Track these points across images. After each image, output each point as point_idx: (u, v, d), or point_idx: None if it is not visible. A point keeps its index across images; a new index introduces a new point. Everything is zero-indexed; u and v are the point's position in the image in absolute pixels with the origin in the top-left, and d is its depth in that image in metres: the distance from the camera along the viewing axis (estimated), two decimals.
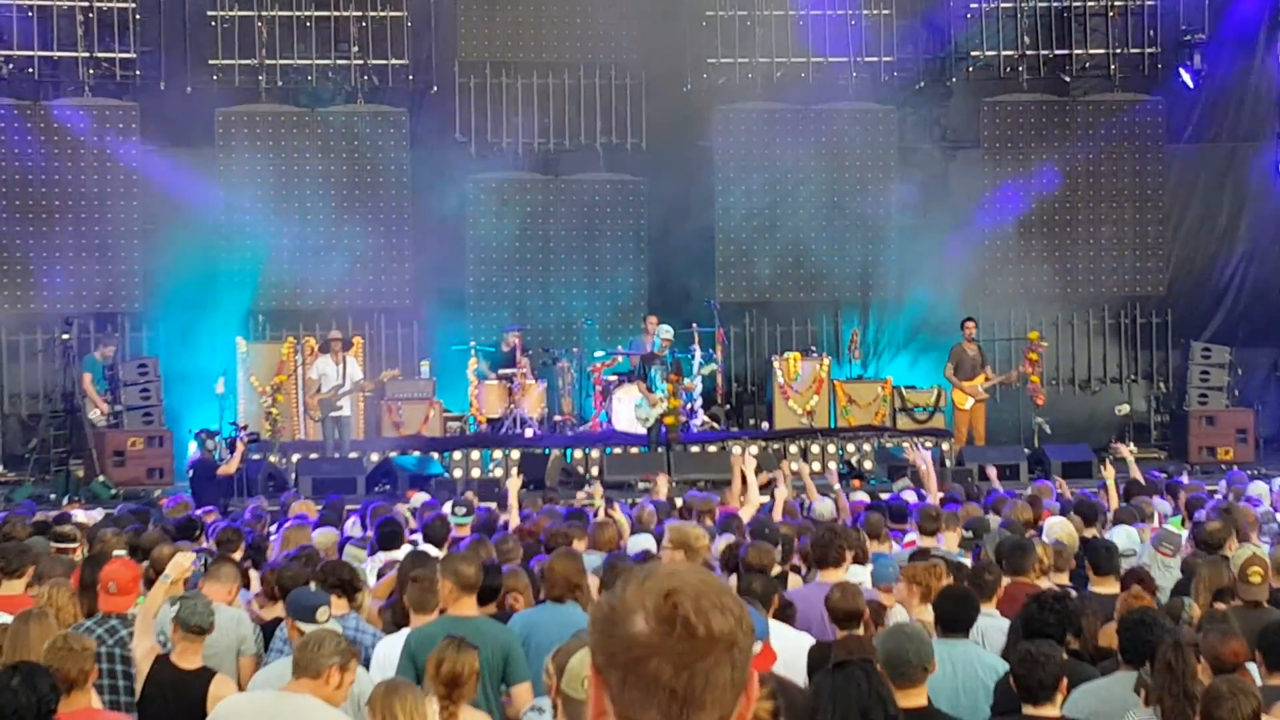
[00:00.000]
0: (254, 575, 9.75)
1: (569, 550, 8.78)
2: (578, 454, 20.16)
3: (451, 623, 7.18)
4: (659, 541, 9.80)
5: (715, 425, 21.58)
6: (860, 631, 7.18)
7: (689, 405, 20.82)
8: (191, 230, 21.90)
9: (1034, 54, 23.58)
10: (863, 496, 14.26)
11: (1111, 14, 23.57)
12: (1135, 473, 14.28)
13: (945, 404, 21.77)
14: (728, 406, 22.43)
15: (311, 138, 22.83)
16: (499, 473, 19.54)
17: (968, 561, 9.42)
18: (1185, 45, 23.47)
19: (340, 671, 6.26)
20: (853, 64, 23.32)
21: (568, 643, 5.75)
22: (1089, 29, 23.65)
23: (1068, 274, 23.99)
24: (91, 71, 22.02)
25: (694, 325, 21.52)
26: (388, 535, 10.54)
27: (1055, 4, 23.50)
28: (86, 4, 21.97)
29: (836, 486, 14.00)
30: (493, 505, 13.46)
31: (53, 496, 18.97)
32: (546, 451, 19.94)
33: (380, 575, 9.62)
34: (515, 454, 20.02)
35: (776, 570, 9.06)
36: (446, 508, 12.18)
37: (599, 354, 22.04)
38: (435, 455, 20.05)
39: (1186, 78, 23.53)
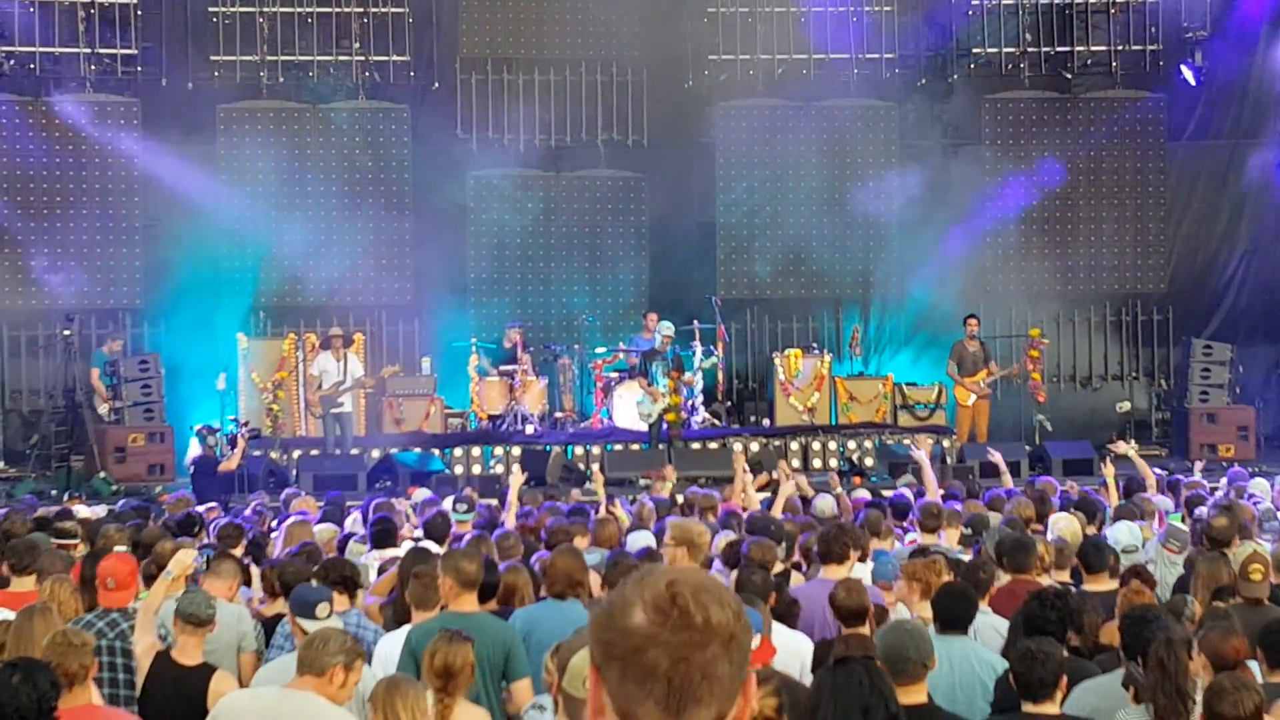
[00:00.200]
0: (255, 572, 9.75)
1: (570, 547, 8.78)
2: (579, 451, 20.15)
3: (453, 619, 7.18)
4: (659, 539, 9.79)
5: (716, 422, 21.58)
6: (865, 629, 7.18)
7: (689, 402, 20.82)
8: (193, 226, 21.90)
9: (1035, 51, 23.60)
10: (864, 494, 14.25)
11: (1113, 11, 23.58)
12: (1143, 469, 14.24)
13: (946, 401, 21.77)
14: (729, 403, 22.44)
15: (313, 134, 22.84)
16: (500, 469, 19.54)
17: (968, 559, 9.41)
18: (1187, 42, 23.49)
19: (345, 670, 6.25)
20: (854, 60, 23.34)
21: (569, 640, 5.76)
22: (1091, 26, 23.66)
23: (1069, 271, 24.00)
24: (93, 67, 22.03)
25: (695, 322, 21.53)
26: (381, 533, 10.54)
27: (1057, 1, 23.50)
28: (88, 0, 21.96)
29: (839, 489, 13.98)
30: (493, 502, 13.45)
31: (54, 492, 18.97)
32: (547, 448, 19.94)
33: (381, 572, 9.62)
34: (516, 451, 20.03)
35: (779, 567, 9.06)
36: (447, 504, 12.17)
37: (600, 350, 22.05)
38: (436, 452, 20.04)
39: (1188, 75, 23.53)
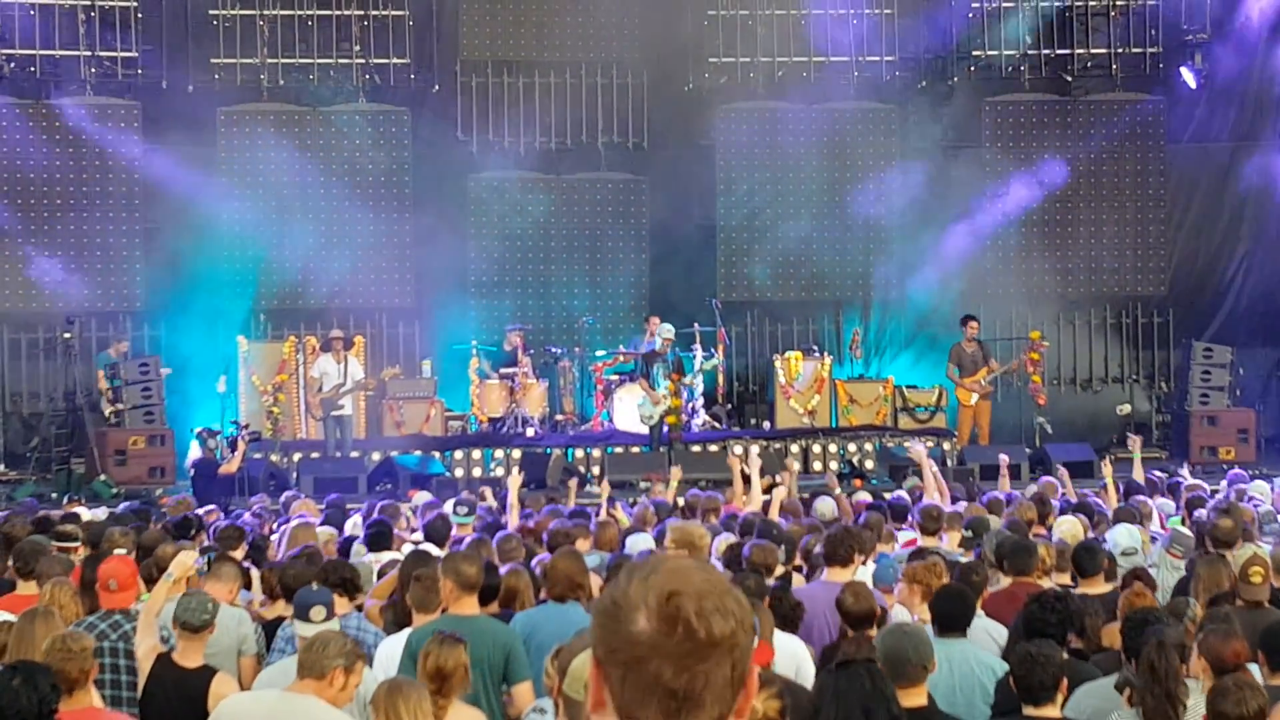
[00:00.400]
0: (255, 574, 9.74)
1: (571, 549, 8.78)
2: (579, 453, 20.15)
3: (453, 622, 7.18)
4: (659, 542, 9.79)
5: (716, 425, 21.58)
6: (872, 632, 7.17)
7: (690, 404, 20.82)
8: (193, 229, 21.92)
9: (1036, 53, 23.60)
10: (865, 496, 14.24)
11: (1113, 13, 23.58)
12: (1138, 472, 14.24)
13: (947, 403, 21.76)
14: (729, 406, 22.43)
15: (313, 137, 22.84)
16: (500, 472, 19.54)
17: (979, 561, 9.40)
18: (1187, 45, 23.48)
19: (345, 674, 6.24)
20: (854, 63, 23.34)
21: (569, 643, 5.75)
22: (1091, 28, 23.65)
23: (1069, 273, 24.01)
24: (93, 70, 22.04)
25: (695, 324, 21.54)
26: (376, 536, 10.54)
27: (1057, 3, 23.50)
28: (89, 2, 21.98)
29: (837, 490, 13.98)
30: (492, 504, 13.44)
31: (54, 495, 18.96)
32: (548, 451, 19.94)
33: (381, 575, 9.62)
34: (516, 453, 20.02)
35: (780, 570, 9.05)
36: (448, 507, 12.17)
37: (600, 353, 22.06)
38: (436, 455, 20.04)
39: (1188, 77, 23.53)
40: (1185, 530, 10.73)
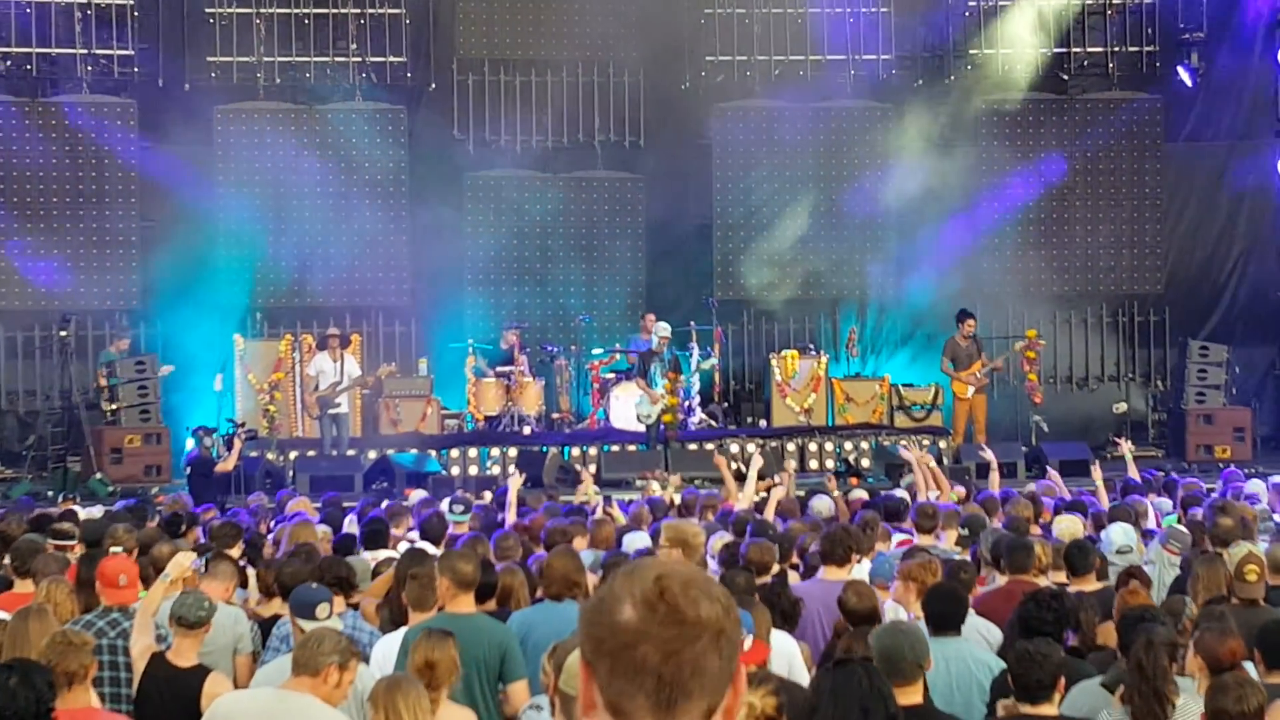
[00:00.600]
0: (251, 573, 9.74)
1: (567, 548, 8.77)
2: (575, 452, 20.15)
3: (449, 620, 7.17)
4: (655, 540, 9.79)
5: (713, 423, 21.58)
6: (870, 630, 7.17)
7: (686, 403, 20.81)
8: (189, 227, 21.90)
9: (1032, 52, 23.57)
10: (862, 494, 14.24)
11: (1110, 12, 23.59)
12: (1133, 471, 14.26)
13: (943, 402, 21.77)
14: (726, 404, 22.43)
15: (310, 135, 22.81)
16: (497, 470, 19.54)
17: (967, 559, 9.41)
18: (1184, 44, 23.49)
19: (339, 670, 6.24)
20: (851, 62, 23.34)
21: (566, 640, 5.75)
22: (1087, 27, 23.66)
23: (1065, 272, 24.01)
24: (90, 68, 22.01)
25: (692, 323, 21.54)
26: (371, 534, 10.53)
27: (1054, 2, 23.49)
28: (85, 0, 21.95)
29: (836, 491, 13.98)
30: (488, 503, 13.44)
31: (50, 493, 18.95)
32: (544, 449, 19.94)
33: (376, 573, 9.61)
34: (513, 452, 20.02)
35: (776, 569, 9.05)
36: (444, 505, 12.17)
37: (597, 351, 22.06)
38: (433, 453, 20.04)
39: (1185, 76, 23.54)
40: (1180, 527, 10.74)
